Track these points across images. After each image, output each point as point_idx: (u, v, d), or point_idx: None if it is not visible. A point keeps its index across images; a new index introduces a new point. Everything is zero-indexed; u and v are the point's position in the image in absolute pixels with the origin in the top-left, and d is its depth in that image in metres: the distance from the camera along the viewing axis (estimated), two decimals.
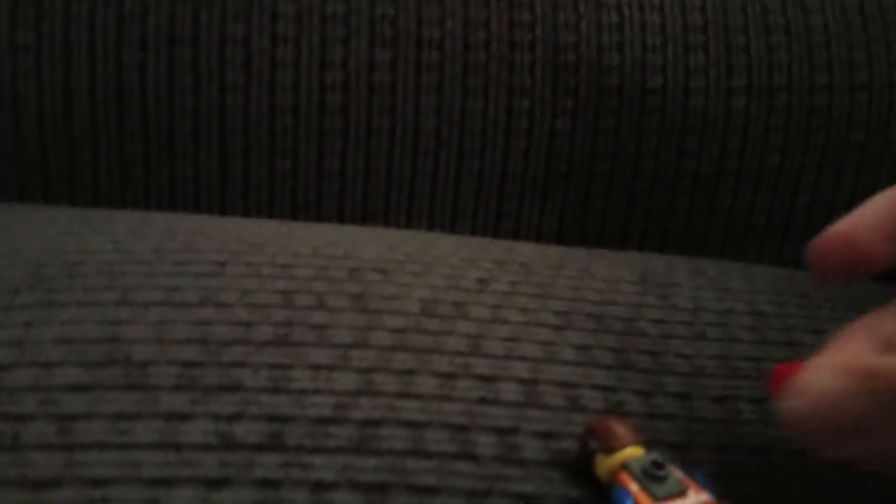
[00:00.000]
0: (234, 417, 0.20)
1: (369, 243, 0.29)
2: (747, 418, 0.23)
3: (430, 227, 0.39)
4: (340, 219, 0.38)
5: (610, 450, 0.19)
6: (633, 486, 0.18)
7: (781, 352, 0.25)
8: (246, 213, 0.38)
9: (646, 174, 0.40)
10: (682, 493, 0.18)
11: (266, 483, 0.19)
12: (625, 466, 0.19)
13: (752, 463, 0.21)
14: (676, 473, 0.19)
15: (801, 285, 0.30)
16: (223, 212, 0.38)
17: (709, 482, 0.19)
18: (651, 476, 0.19)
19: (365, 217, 0.39)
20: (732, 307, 0.28)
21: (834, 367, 0.17)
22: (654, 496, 0.18)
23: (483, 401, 0.22)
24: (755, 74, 0.40)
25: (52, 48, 0.36)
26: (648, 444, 0.20)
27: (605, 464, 0.19)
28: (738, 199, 0.41)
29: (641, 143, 0.39)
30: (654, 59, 0.39)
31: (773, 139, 0.40)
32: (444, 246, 0.30)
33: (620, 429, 0.20)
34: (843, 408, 0.16)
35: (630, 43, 0.39)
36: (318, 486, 0.19)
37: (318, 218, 0.38)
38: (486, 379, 0.22)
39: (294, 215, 0.38)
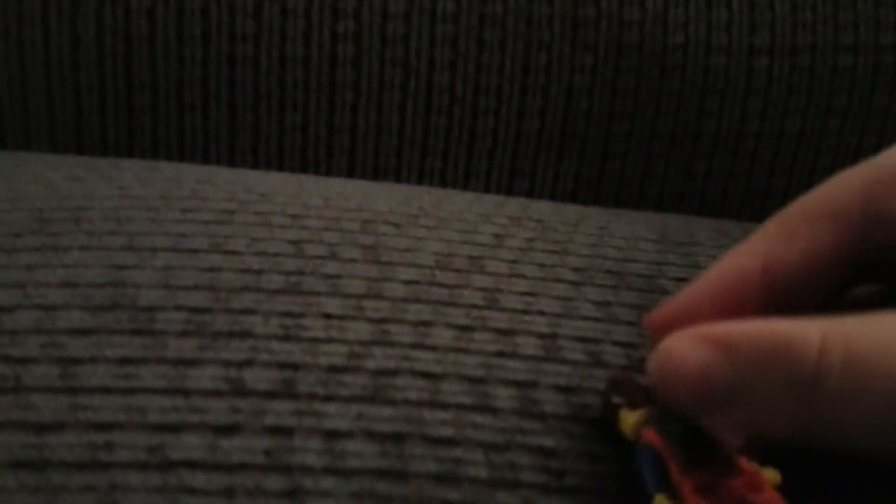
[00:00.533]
0: (245, 364, 0.19)
1: (382, 197, 0.29)
2: None
3: (443, 186, 0.38)
4: (351, 175, 0.38)
5: (635, 405, 0.18)
6: (660, 445, 0.18)
7: None
8: (255, 167, 0.37)
9: (664, 135, 0.39)
10: (713, 457, 0.17)
11: (277, 430, 0.18)
12: (650, 423, 0.18)
13: None
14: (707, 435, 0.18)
15: None
16: (232, 164, 0.37)
17: (743, 448, 0.18)
18: (679, 436, 0.18)
19: (376, 174, 0.38)
20: None
21: (695, 336, 0.16)
22: (682, 458, 0.17)
23: (501, 354, 0.21)
24: (778, 33, 0.39)
25: None
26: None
27: (629, 419, 0.18)
28: (758, 162, 0.40)
29: (661, 103, 0.38)
30: (676, 15, 0.38)
31: (795, 101, 0.39)
32: (459, 201, 0.30)
33: (646, 383, 0.19)
34: (707, 379, 0.16)
35: None
36: (332, 435, 0.18)
37: (329, 174, 0.38)
38: (504, 332, 0.22)
39: (304, 170, 0.37)
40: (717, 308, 0.18)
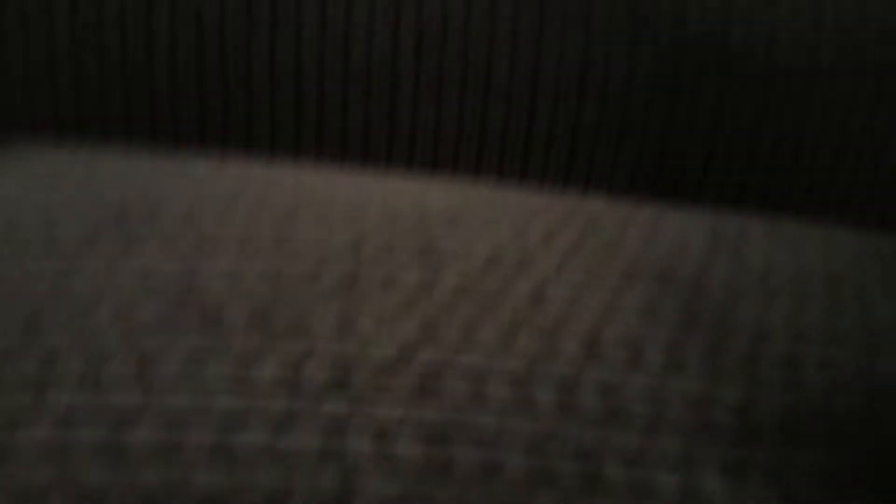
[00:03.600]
0: (302, 359, 0.21)
1: (439, 194, 0.30)
2: (812, 383, 0.22)
3: (499, 178, 0.39)
4: (410, 168, 0.39)
5: None
6: None
7: (855, 315, 0.25)
8: (319, 157, 0.39)
9: (725, 127, 0.38)
10: None
11: (331, 426, 0.19)
12: None
13: (814, 428, 0.21)
14: None
15: (882, 248, 0.29)
16: (298, 156, 0.39)
17: None
18: None
19: (435, 166, 0.39)
20: (806, 268, 0.27)
21: None
22: None
23: (543, 354, 0.22)
24: (843, 26, 0.38)
25: None
26: None
27: None
28: (820, 157, 0.39)
29: (723, 95, 0.38)
30: (737, 9, 0.37)
31: (861, 96, 0.38)
32: (513, 198, 0.30)
33: None
34: None
35: None
36: (381, 434, 0.19)
37: (389, 165, 0.39)
38: (548, 332, 0.23)
39: (365, 165, 0.39)
40: None
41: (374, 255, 0.25)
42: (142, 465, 0.19)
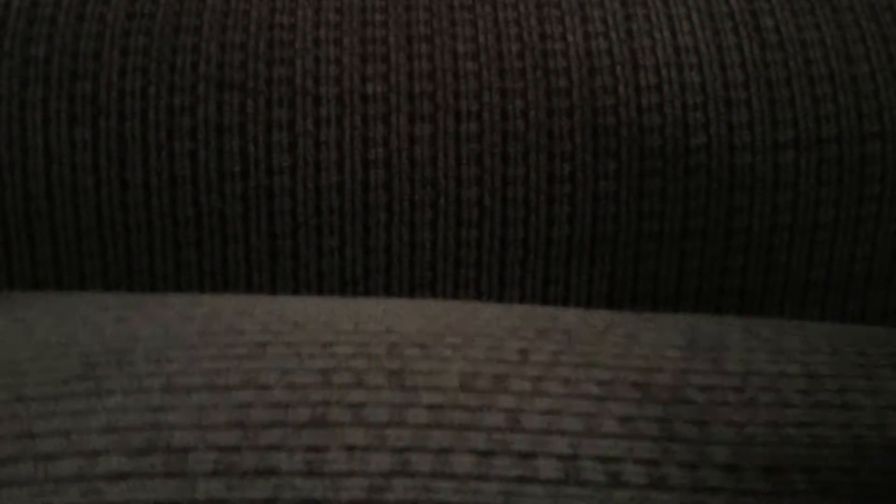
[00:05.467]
0: (269, 503, 0.20)
1: (411, 316, 0.29)
2: (799, 489, 0.22)
3: (477, 297, 0.39)
4: (388, 292, 0.39)
5: None
6: None
7: (836, 415, 0.24)
8: (296, 291, 0.39)
9: (695, 233, 0.39)
10: None
11: None
12: None
13: None
14: None
15: (859, 342, 0.29)
16: (273, 290, 0.39)
17: None
18: None
19: (412, 289, 0.39)
20: (785, 369, 0.27)
21: None
22: None
23: (521, 479, 0.21)
24: (802, 127, 0.39)
25: (108, 143, 0.38)
26: None
27: None
28: (795, 254, 0.39)
29: (689, 202, 0.39)
30: (695, 118, 0.39)
31: (825, 192, 0.39)
32: (487, 315, 0.30)
33: None
34: None
35: (670, 103, 0.39)
36: None
37: (366, 292, 0.39)
38: (525, 456, 0.22)
39: (342, 291, 0.39)
40: None
41: (345, 385, 0.24)
42: None
